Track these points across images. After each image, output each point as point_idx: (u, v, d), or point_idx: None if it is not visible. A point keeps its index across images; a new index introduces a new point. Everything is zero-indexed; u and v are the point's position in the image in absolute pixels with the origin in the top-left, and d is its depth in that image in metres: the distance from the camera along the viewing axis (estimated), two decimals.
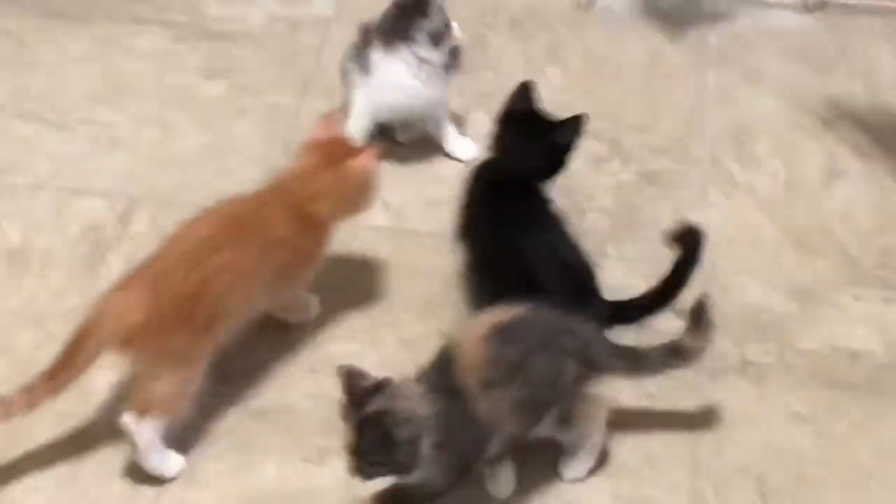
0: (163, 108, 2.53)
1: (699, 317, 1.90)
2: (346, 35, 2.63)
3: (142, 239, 2.23)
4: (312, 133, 2.06)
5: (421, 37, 2.30)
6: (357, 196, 2.03)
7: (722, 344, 2.09)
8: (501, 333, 1.79)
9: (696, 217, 2.30)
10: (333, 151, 2.01)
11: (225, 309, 1.88)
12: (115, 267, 2.19)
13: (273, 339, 2.09)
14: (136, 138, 2.47)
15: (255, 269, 1.91)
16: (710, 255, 2.23)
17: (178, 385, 1.87)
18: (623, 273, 2.21)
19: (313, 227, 1.99)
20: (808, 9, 2.79)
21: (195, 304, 1.85)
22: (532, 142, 2.07)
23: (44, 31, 2.68)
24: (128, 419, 1.86)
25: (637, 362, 1.89)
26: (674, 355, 1.90)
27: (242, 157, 2.43)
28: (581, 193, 2.34)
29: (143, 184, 2.37)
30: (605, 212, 2.34)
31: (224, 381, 1.99)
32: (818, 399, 2.04)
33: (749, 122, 2.53)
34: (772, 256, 2.27)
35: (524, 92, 2.10)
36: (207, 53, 2.65)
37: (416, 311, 2.15)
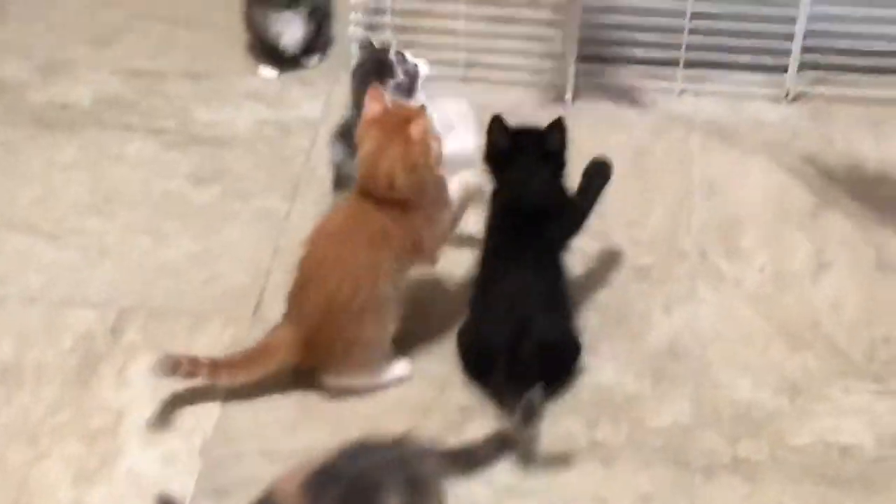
0: (153, 216, 2.54)
1: (528, 413, 1.92)
2: None
3: (134, 349, 2.24)
4: (366, 112, 2.11)
5: (396, 94, 2.37)
6: (425, 157, 2.09)
7: (714, 441, 2.09)
8: (317, 479, 1.78)
9: (685, 312, 2.32)
10: (389, 124, 2.09)
11: (378, 301, 2.10)
12: (107, 379, 2.19)
13: None
14: (126, 247, 2.48)
15: (380, 260, 2.09)
16: (700, 350, 2.25)
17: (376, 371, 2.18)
18: (614, 372, 2.21)
19: (402, 205, 2.09)
20: (788, 99, 2.81)
21: (359, 310, 2.09)
22: (531, 161, 2.18)
23: (35, 141, 2.71)
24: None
25: (469, 462, 1.91)
26: (503, 447, 1.93)
27: (234, 262, 2.45)
28: (572, 289, 2.34)
29: (134, 293, 2.37)
30: (596, 308, 2.34)
31: None
32: (810, 495, 2.04)
33: (735, 215, 2.55)
34: (761, 351, 2.27)
35: (499, 123, 2.19)
36: (197, 159, 2.67)
37: None
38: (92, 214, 2.54)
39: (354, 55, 2.81)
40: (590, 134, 2.56)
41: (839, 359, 2.25)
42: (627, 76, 2.81)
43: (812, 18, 2.71)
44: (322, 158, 2.60)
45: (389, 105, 2.14)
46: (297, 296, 2.15)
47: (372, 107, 2.13)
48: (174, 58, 2.93)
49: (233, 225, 2.53)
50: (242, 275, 2.41)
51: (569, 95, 2.79)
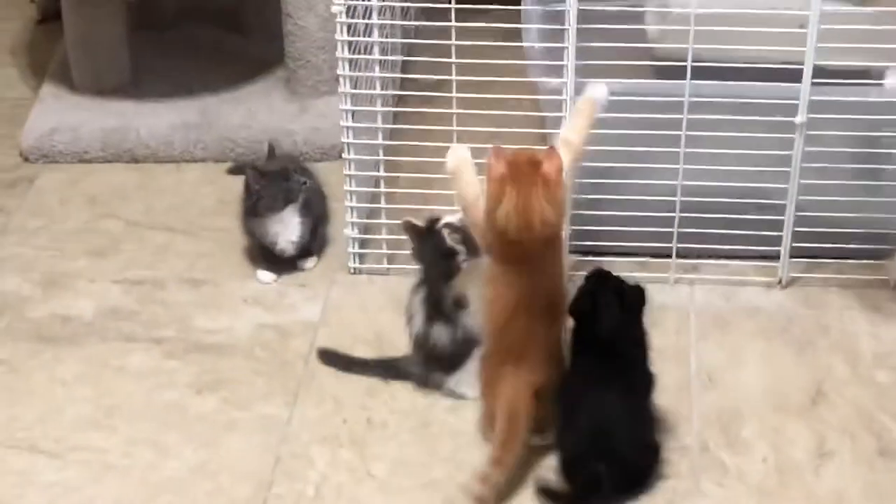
0: (155, 428, 2.54)
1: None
2: (333, 340, 2.71)
3: None
4: (491, 172, 2.24)
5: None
6: (563, 189, 2.27)
7: None
8: None
9: None
10: (521, 174, 2.23)
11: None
12: None
13: None
14: (128, 462, 2.47)
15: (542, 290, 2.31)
16: None
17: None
18: None
19: (552, 242, 2.31)
20: (781, 286, 2.83)
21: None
22: (613, 308, 2.35)
23: (36, 357, 2.72)
24: None
25: None
26: None
27: (236, 473, 2.44)
28: None
29: None
30: None
31: None
32: None
33: (735, 405, 2.55)
34: None
35: (603, 276, 2.39)
36: (197, 368, 2.68)
37: None
38: (94, 430, 2.54)
39: (351, 256, 2.87)
40: None
41: None
42: (620, 268, 2.82)
43: (801, 206, 2.75)
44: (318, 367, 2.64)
45: (511, 157, 2.25)
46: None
47: (496, 166, 2.23)
48: (173, 265, 2.96)
49: (234, 435, 2.52)
50: (245, 487, 2.40)
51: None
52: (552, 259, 2.33)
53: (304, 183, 2.85)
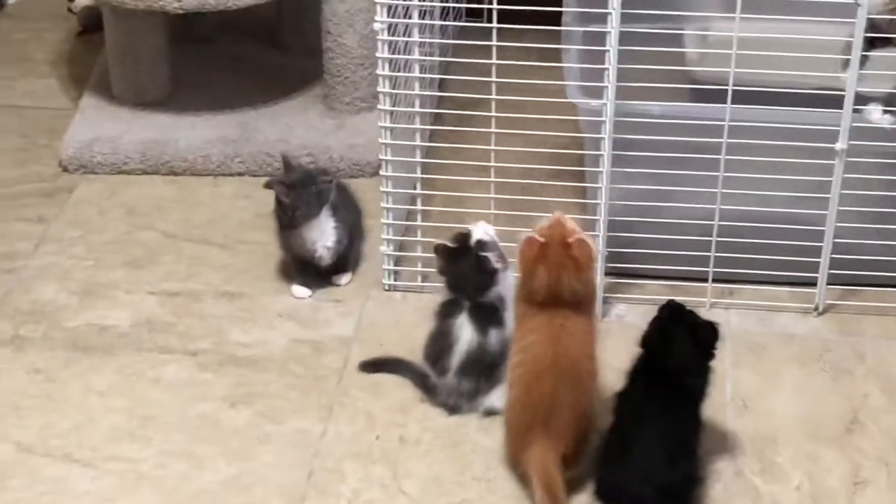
0: (188, 440, 2.54)
1: None
2: (366, 356, 2.71)
3: None
4: (524, 253, 2.35)
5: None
6: (591, 263, 2.38)
7: None
8: None
9: None
10: (551, 256, 2.35)
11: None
12: None
13: None
14: (162, 473, 2.47)
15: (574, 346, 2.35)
16: None
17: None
18: None
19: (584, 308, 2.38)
20: (817, 313, 2.82)
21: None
22: (685, 345, 2.36)
23: (72, 367, 2.72)
24: None
25: None
26: None
27: (269, 487, 2.43)
28: None
29: None
30: None
31: None
32: None
33: (769, 431, 2.53)
34: None
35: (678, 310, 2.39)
36: (232, 380, 2.68)
37: None
38: (128, 440, 2.54)
39: (386, 273, 2.87)
40: (621, 347, 2.54)
41: None
42: (656, 291, 2.81)
43: (839, 233, 2.73)
44: (355, 378, 2.65)
45: (544, 236, 2.34)
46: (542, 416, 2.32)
47: (528, 248, 2.34)
48: (209, 278, 2.97)
49: (267, 448, 2.52)
50: (277, 500, 2.40)
51: (598, 310, 2.80)
52: (582, 324, 2.37)
53: (330, 181, 2.86)
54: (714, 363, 2.39)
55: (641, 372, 2.38)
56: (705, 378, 2.39)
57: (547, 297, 2.34)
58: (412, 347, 2.70)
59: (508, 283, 2.52)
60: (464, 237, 2.56)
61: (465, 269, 2.55)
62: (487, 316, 2.54)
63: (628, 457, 2.31)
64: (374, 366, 2.70)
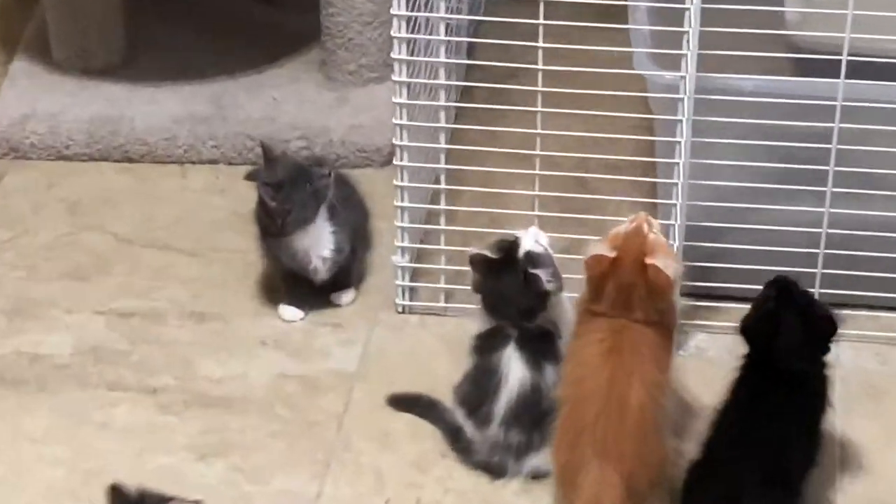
0: None
1: None
2: (373, 397, 2.70)
3: None
4: (591, 266, 2.38)
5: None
6: (670, 282, 2.40)
7: None
8: None
9: None
10: (626, 271, 2.37)
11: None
12: None
13: None
14: None
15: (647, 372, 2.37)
16: None
17: None
18: None
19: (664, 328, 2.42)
20: None
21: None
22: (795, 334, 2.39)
23: None
24: None
25: None
26: None
27: None
28: None
29: None
30: None
31: None
32: None
33: (890, 498, 2.52)
34: None
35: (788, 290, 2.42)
36: (201, 426, 2.66)
37: None
38: (69, 500, 2.50)
39: (400, 291, 2.84)
40: (702, 387, 2.58)
41: None
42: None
43: None
44: (358, 425, 2.63)
45: (613, 251, 2.36)
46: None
47: (595, 264, 2.36)
48: (173, 294, 2.95)
49: None
50: None
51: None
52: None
53: (328, 174, 2.82)
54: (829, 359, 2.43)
55: (746, 367, 2.42)
56: (819, 380, 2.42)
57: (616, 310, 2.38)
58: (432, 386, 2.68)
59: (564, 307, 2.50)
60: (509, 246, 2.51)
61: (510, 288, 2.50)
62: (541, 347, 2.50)
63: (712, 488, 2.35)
64: (406, 403, 2.67)
